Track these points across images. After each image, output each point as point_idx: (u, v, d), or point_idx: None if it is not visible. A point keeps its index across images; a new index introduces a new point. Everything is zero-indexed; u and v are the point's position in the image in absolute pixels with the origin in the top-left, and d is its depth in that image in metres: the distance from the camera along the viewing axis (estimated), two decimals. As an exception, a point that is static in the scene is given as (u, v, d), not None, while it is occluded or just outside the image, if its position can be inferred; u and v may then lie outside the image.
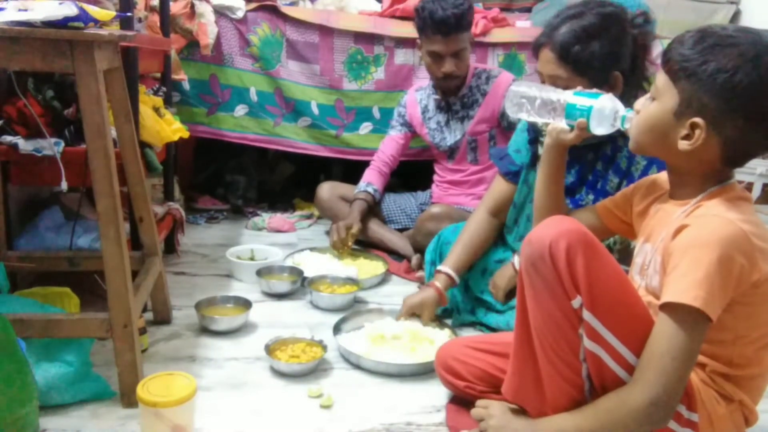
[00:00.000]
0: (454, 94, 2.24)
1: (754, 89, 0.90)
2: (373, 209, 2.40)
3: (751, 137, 0.95)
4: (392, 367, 1.47)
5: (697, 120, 0.93)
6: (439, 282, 1.63)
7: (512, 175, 1.65)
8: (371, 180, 2.37)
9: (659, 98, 0.99)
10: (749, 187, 3.05)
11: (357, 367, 1.50)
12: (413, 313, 1.63)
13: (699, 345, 0.92)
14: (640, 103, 1.05)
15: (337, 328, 1.62)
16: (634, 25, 1.35)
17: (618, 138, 1.40)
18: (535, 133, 1.59)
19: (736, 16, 3.42)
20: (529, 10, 3.15)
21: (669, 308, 0.91)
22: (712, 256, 0.88)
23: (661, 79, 0.99)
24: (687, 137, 0.96)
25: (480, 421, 1.17)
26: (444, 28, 2.07)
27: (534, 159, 1.58)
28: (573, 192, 1.50)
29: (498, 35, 2.74)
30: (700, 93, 0.93)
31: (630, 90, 1.36)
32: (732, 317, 0.95)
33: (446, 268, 1.65)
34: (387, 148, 2.42)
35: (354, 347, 1.53)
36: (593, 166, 1.47)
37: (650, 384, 0.91)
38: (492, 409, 1.16)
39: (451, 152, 2.34)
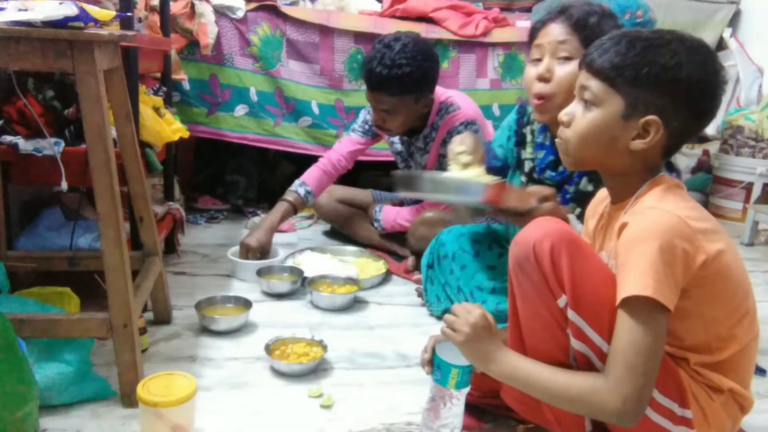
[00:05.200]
0: (416, 134, 2.19)
1: (698, 80, 0.96)
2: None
3: (691, 126, 1.00)
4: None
5: (652, 118, 0.97)
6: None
7: (496, 171, 1.62)
8: (308, 180, 2.23)
9: (600, 105, 1.00)
10: (749, 186, 3.05)
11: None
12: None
13: (661, 337, 0.91)
14: (569, 112, 1.05)
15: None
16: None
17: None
18: (520, 137, 1.59)
19: (736, 16, 3.42)
20: (529, 10, 3.16)
21: (623, 304, 0.92)
22: (653, 246, 0.90)
23: (597, 87, 1.00)
24: (639, 136, 0.99)
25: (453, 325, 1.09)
26: (370, 82, 2.00)
27: (518, 163, 1.58)
28: None
29: (498, 35, 2.74)
30: (647, 93, 0.96)
31: None
32: (694, 303, 0.96)
33: None
34: (341, 148, 2.31)
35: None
36: None
37: (618, 381, 0.91)
38: (471, 317, 1.06)
39: None
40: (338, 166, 2.29)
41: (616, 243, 0.98)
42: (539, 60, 1.38)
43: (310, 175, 2.25)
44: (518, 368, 1.02)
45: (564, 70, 1.34)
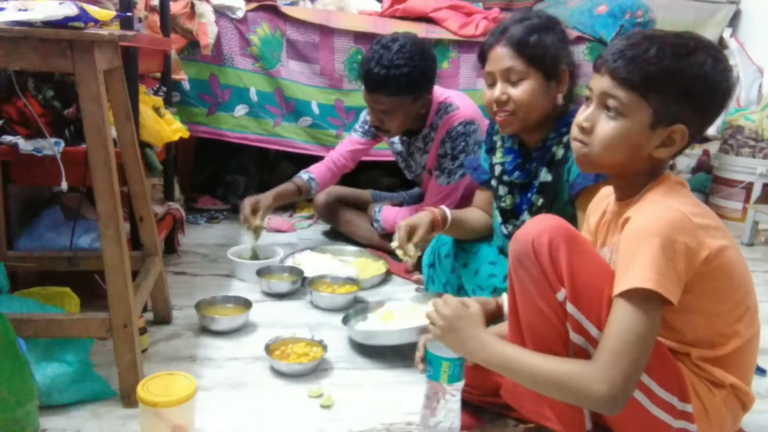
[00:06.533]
0: (416, 135, 2.19)
1: (720, 89, 0.97)
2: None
3: (702, 130, 1.02)
4: (411, 334, 1.45)
5: (680, 127, 0.97)
6: (435, 209, 1.62)
7: (487, 184, 1.68)
8: (311, 170, 2.28)
9: (628, 115, 0.98)
10: (749, 186, 3.05)
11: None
12: (411, 231, 1.56)
13: (654, 329, 0.92)
14: (589, 118, 1.02)
15: (346, 322, 1.63)
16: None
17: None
18: (490, 144, 1.65)
19: (736, 16, 3.42)
20: (529, 10, 3.16)
21: (623, 295, 0.92)
22: (655, 241, 0.90)
23: (626, 97, 0.97)
24: (664, 145, 0.99)
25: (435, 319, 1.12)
26: (368, 82, 1.99)
27: (490, 168, 1.64)
28: (517, 215, 1.57)
29: (498, 35, 2.73)
30: (676, 103, 0.96)
31: (572, 85, 1.45)
32: (696, 299, 0.97)
33: (444, 206, 1.66)
34: (341, 147, 2.33)
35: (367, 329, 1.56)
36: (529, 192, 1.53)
37: (607, 369, 0.91)
38: (446, 308, 1.09)
39: (418, 180, 2.35)
40: (338, 164, 2.30)
41: (619, 237, 0.98)
42: (493, 84, 1.44)
43: (314, 167, 2.30)
44: (502, 354, 1.02)
45: (519, 91, 1.40)
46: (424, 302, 1.68)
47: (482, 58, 1.47)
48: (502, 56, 1.40)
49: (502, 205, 1.60)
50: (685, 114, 0.97)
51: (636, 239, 0.93)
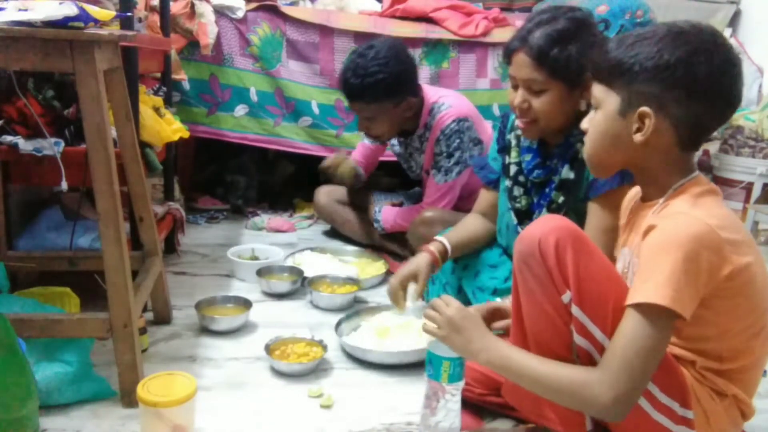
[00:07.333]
0: (411, 135, 2.21)
1: (682, 62, 0.94)
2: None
3: (697, 111, 0.97)
4: (408, 356, 1.48)
5: (644, 108, 0.97)
6: (432, 247, 1.61)
7: (494, 183, 1.67)
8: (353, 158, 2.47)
9: (601, 107, 1.02)
10: (749, 186, 3.05)
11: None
12: (406, 282, 1.57)
13: (665, 341, 0.92)
14: (586, 121, 1.07)
15: (338, 328, 1.63)
16: (598, 30, 1.41)
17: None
18: (503, 144, 1.63)
19: (736, 16, 3.42)
20: (529, 10, 3.15)
21: (637, 306, 0.91)
22: (678, 255, 0.89)
23: (597, 90, 1.03)
24: (638, 130, 0.98)
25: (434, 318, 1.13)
26: (346, 93, 2.03)
27: (503, 168, 1.61)
28: (530, 214, 1.55)
29: (498, 35, 2.74)
30: (636, 84, 0.97)
31: None
32: (713, 313, 0.95)
33: (441, 237, 1.64)
34: (356, 152, 2.46)
35: (361, 343, 1.54)
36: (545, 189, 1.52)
37: (614, 377, 0.90)
38: (449, 310, 1.10)
39: (419, 180, 2.36)
40: (361, 164, 2.43)
41: (641, 241, 0.97)
42: (517, 87, 1.41)
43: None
44: (506, 356, 1.03)
45: (540, 102, 1.37)
46: (420, 316, 1.67)
47: (507, 57, 1.42)
48: (524, 64, 1.35)
49: (517, 206, 1.56)
50: (649, 95, 0.96)
51: (658, 250, 0.91)
